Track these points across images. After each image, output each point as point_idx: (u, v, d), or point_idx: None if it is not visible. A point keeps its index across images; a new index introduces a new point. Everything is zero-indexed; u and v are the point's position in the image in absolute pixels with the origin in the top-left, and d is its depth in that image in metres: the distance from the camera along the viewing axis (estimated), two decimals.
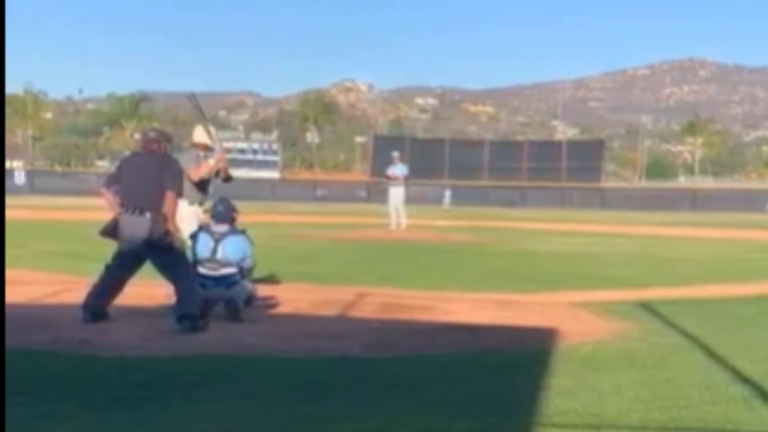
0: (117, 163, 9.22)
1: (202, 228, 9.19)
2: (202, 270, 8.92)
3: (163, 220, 8.37)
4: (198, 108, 10.12)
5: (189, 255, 8.94)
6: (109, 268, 8.66)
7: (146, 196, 8.43)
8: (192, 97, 10.24)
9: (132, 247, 8.48)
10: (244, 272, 9.03)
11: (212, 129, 10.06)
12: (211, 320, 8.58)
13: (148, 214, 8.36)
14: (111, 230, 8.56)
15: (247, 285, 9.03)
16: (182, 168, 8.96)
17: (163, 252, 8.44)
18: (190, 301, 8.37)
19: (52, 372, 6.38)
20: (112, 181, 8.76)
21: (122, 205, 8.53)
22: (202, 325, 8.26)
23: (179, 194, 8.63)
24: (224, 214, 9.15)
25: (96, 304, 8.54)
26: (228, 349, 7.40)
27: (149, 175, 8.51)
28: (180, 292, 8.40)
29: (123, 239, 8.52)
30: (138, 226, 8.39)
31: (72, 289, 10.24)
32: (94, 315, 8.44)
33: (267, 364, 6.87)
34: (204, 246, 8.98)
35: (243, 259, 9.00)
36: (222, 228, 9.07)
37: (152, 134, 8.89)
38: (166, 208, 8.41)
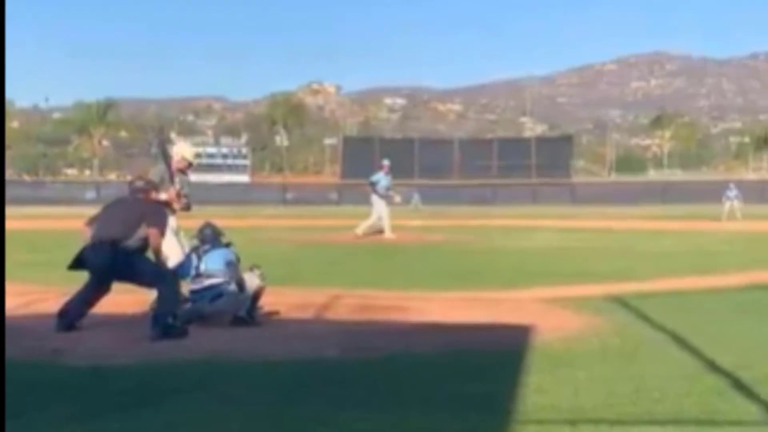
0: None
1: (192, 250, 9.35)
2: (191, 287, 9.08)
3: (124, 247, 8.50)
4: (162, 148, 10.58)
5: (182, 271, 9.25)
6: (85, 285, 8.76)
7: (111, 229, 8.58)
8: (160, 133, 10.63)
9: (96, 271, 8.62)
10: (240, 284, 9.08)
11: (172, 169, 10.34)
12: (186, 324, 8.59)
13: (108, 245, 8.48)
14: (75, 262, 8.67)
15: (240, 295, 9.04)
16: (166, 214, 9.29)
17: (130, 273, 8.56)
18: (167, 307, 8.39)
19: (29, 383, 6.36)
20: (94, 220, 8.91)
21: (91, 238, 8.68)
22: (179, 332, 8.26)
23: (162, 234, 8.84)
24: (210, 236, 9.38)
25: (72, 313, 8.56)
26: (204, 355, 7.38)
27: (124, 215, 8.73)
28: (158, 297, 8.53)
29: (86, 266, 8.65)
30: (97, 254, 8.51)
31: (45, 299, 10.21)
32: (68, 325, 8.45)
33: (245, 369, 6.87)
34: (190, 266, 9.22)
35: (228, 265, 9.07)
36: (206, 246, 9.29)
37: (139, 183, 9.22)
38: (151, 242, 8.63)
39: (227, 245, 9.41)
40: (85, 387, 6.24)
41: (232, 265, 9.15)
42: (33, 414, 5.46)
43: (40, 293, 10.96)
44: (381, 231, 23.71)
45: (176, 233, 10.01)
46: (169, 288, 8.58)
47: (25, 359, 7.15)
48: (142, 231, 8.60)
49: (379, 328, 8.69)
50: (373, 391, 6.10)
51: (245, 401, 5.80)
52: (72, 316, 8.55)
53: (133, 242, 8.55)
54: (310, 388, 6.22)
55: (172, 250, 9.46)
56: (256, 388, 6.20)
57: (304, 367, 6.90)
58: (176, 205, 10.17)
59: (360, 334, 8.33)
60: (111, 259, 8.45)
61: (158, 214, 8.90)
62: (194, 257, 9.26)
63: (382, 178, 24.55)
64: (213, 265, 9.12)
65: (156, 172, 10.05)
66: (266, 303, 9.48)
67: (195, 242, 9.46)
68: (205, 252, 9.24)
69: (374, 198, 24.32)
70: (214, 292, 8.97)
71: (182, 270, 9.26)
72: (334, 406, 5.66)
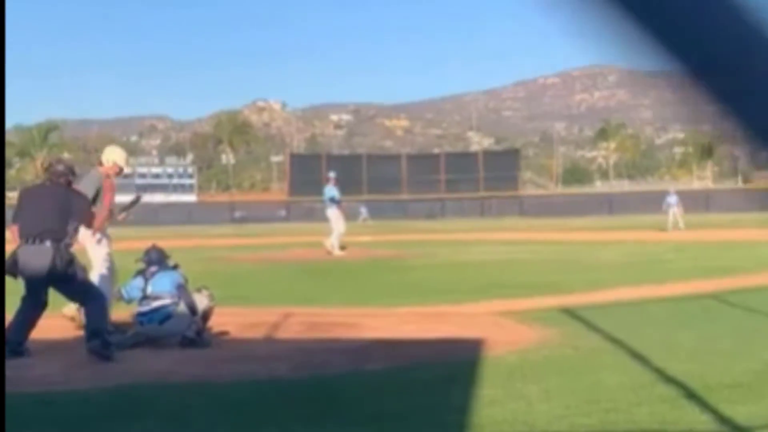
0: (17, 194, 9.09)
1: (138, 273, 9.26)
2: (139, 309, 9.00)
3: (65, 248, 8.28)
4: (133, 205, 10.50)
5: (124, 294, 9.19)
6: (23, 301, 8.49)
7: (47, 225, 8.28)
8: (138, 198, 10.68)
9: (35, 276, 8.28)
10: (191, 306, 9.00)
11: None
12: (135, 347, 8.51)
13: (48, 243, 8.21)
14: (11, 266, 8.36)
15: (191, 317, 8.95)
16: (87, 200, 9.01)
17: (68, 281, 8.33)
18: (99, 319, 8.30)
19: None
20: (19, 215, 8.57)
21: (21, 236, 8.38)
22: (110, 353, 8.17)
23: (88, 226, 8.68)
24: (156, 258, 9.34)
25: (14, 339, 8.32)
26: (152, 376, 7.30)
27: (53, 205, 8.41)
28: (88, 313, 8.36)
29: (24, 271, 8.31)
30: (38, 256, 8.22)
31: None
32: (14, 351, 8.24)
33: (194, 391, 6.80)
34: (136, 288, 9.14)
35: (178, 288, 9.01)
36: (153, 269, 9.23)
37: (60, 167, 8.77)
38: (93, 224, 8.47)
39: (174, 267, 9.35)
40: (31, 416, 6.14)
41: (182, 288, 9.08)
42: None
43: None
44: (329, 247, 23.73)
45: (109, 259, 9.89)
46: (99, 303, 8.45)
47: None
48: (73, 222, 8.43)
49: (330, 346, 8.65)
50: (324, 409, 6.07)
51: (196, 424, 5.73)
52: (14, 341, 8.29)
53: (68, 238, 8.37)
54: (260, 408, 6.17)
55: (98, 261, 9.23)
56: (206, 410, 6.14)
57: (255, 387, 6.84)
58: (119, 218, 10.07)
59: (311, 352, 8.28)
60: (51, 259, 8.15)
61: (81, 206, 8.63)
62: (141, 279, 9.18)
63: (329, 190, 24.59)
64: (161, 287, 9.04)
65: (88, 181, 9.89)
66: (215, 323, 9.40)
67: (141, 265, 9.37)
68: (152, 274, 9.17)
69: (329, 212, 24.31)
70: (163, 314, 8.89)
71: (127, 293, 9.17)
72: (285, 426, 5.62)
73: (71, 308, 9.57)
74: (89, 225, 8.91)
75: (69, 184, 8.69)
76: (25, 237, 8.32)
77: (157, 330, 8.88)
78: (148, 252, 9.41)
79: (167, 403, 6.41)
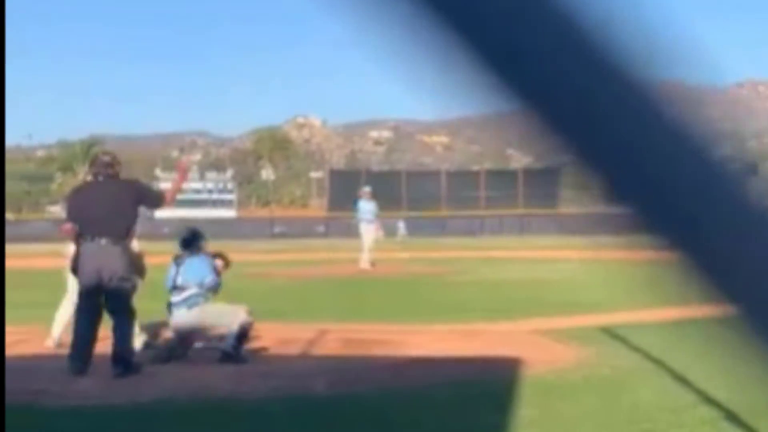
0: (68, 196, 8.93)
1: (173, 259, 9.18)
2: (171, 299, 8.94)
3: (125, 248, 8.22)
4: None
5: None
6: (79, 311, 8.35)
7: (107, 222, 8.11)
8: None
9: (94, 276, 8.13)
10: (208, 293, 8.92)
11: None
12: (171, 360, 8.54)
13: (107, 241, 8.05)
14: (75, 264, 8.27)
15: (230, 312, 8.92)
16: (145, 184, 8.98)
17: (121, 286, 8.21)
18: (126, 341, 8.24)
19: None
20: (77, 216, 8.36)
21: (81, 234, 8.18)
22: (137, 367, 8.15)
23: (164, 204, 8.78)
24: (188, 240, 9.19)
25: (78, 357, 8.13)
26: (187, 392, 7.30)
27: (112, 201, 8.21)
28: (118, 333, 8.18)
29: (85, 271, 8.17)
30: (99, 255, 8.06)
31: (26, 339, 10.09)
32: (79, 371, 8.03)
33: (229, 407, 6.79)
34: (169, 277, 9.02)
35: (203, 278, 8.91)
36: (185, 254, 9.10)
37: (106, 158, 8.63)
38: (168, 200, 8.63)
39: (211, 254, 9.23)
40: (62, 430, 6.16)
41: (208, 277, 8.94)
42: None
43: (20, 334, 10.82)
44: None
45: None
46: (130, 324, 8.39)
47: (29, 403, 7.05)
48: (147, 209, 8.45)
49: (366, 363, 8.62)
50: (360, 428, 6.03)
51: None
52: (77, 360, 8.10)
53: (128, 237, 8.29)
54: (297, 425, 6.14)
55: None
56: (241, 426, 6.12)
57: (291, 403, 6.82)
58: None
59: (347, 370, 8.26)
60: (111, 257, 8.01)
61: (148, 191, 8.87)
62: (173, 267, 9.01)
63: (363, 204, 24.73)
64: (191, 277, 8.89)
65: None
66: (253, 339, 9.40)
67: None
68: (183, 261, 9.01)
69: (362, 227, 24.42)
70: (190, 303, 8.81)
71: (165, 283, 9.06)
72: None
73: (54, 338, 9.45)
74: (165, 202, 8.81)
75: (117, 175, 8.49)
76: (89, 235, 8.12)
77: (186, 319, 8.78)
78: (182, 234, 9.31)
79: (202, 419, 6.40)
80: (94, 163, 8.68)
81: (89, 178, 8.83)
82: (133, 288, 8.40)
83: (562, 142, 0.64)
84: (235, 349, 8.76)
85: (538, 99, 0.63)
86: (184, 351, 8.82)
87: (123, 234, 8.19)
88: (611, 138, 0.63)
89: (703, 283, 0.65)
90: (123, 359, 8.08)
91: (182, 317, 8.77)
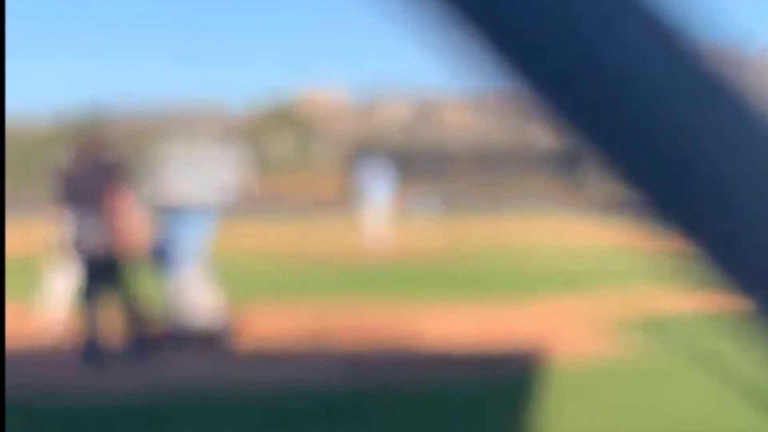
0: None
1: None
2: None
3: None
4: None
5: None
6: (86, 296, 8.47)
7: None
8: None
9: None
10: None
11: None
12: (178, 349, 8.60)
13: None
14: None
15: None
16: None
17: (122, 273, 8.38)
18: (135, 329, 8.35)
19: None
20: None
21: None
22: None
23: None
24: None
25: (92, 344, 8.26)
26: (193, 381, 7.34)
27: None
28: (125, 319, 8.35)
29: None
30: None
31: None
32: (97, 360, 8.20)
33: (238, 397, 6.81)
34: None
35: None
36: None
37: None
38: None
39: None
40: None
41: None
42: None
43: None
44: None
45: None
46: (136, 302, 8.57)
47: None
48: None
49: (383, 351, 8.62)
50: (374, 419, 6.04)
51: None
52: (92, 348, 8.24)
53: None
54: (310, 417, 6.14)
55: None
56: (251, 417, 6.14)
57: (303, 393, 6.83)
58: None
59: (362, 358, 8.24)
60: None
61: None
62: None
63: (376, 180, 24.98)
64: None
65: None
66: (265, 325, 9.44)
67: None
68: None
69: (374, 204, 24.64)
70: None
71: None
72: None
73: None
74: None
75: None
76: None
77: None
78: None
79: (210, 409, 6.43)
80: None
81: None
82: (136, 268, 8.55)
83: (590, 120, 0.62)
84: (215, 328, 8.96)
85: (568, 72, 0.61)
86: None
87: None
88: (649, 112, 0.61)
89: (739, 277, 0.63)
90: (133, 343, 8.19)
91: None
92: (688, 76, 0.61)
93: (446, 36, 0.60)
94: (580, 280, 16.04)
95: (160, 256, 9.10)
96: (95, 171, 8.47)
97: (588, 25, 0.60)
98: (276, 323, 10.12)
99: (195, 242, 9.27)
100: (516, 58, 0.61)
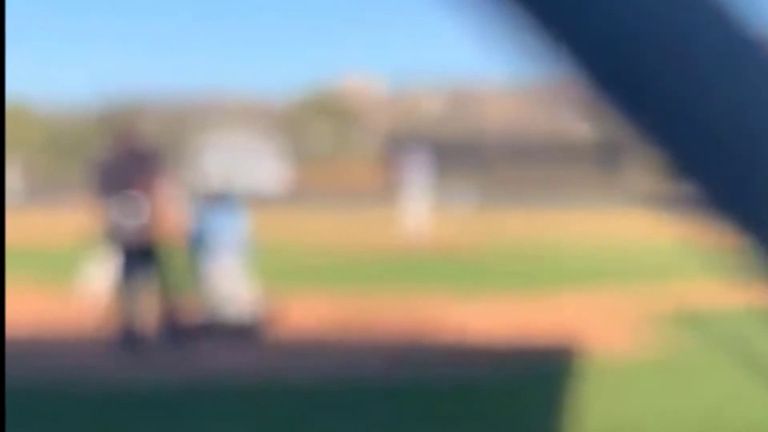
0: None
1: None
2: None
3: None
4: None
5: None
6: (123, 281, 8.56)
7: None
8: None
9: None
10: None
11: None
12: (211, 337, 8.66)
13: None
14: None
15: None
16: None
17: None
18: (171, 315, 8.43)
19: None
20: None
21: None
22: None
23: None
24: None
25: (129, 327, 8.38)
26: (231, 372, 7.40)
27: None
28: (161, 306, 8.44)
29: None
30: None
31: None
32: (133, 338, 8.32)
33: (277, 388, 6.85)
34: None
35: None
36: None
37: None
38: None
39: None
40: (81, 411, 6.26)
41: None
42: None
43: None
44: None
45: None
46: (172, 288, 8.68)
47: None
48: None
49: (424, 343, 8.62)
50: (418, 411, 6.03)
51: (279, 423, 5.76)
52: (129, 332, 8.34)
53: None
54: (351, 407, 6.14)
55: None
56: (292, 408, 6.16)
57: (342, 386, 6.86)
58: None
59: (404, 350, 8.26)
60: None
61: None
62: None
63: (414, 172, 24.89)
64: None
65: None
66: (306, 315, 9.47)
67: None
68: None
69: (414, 195, 24.56)
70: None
71: None
72: (375, 427, 5.60)
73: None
74: None
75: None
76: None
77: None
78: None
79: (243, 400, 6.47)
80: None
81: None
82: (172, 256, 8.63)
83: (646, 110, 0.62)
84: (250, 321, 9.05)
85: (616, 56, 0.61)
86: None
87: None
88: (703, 101, 0.61)
89: None
90: (169, 332, 8.26)
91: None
92: (747, 66, 0.61)
93: (497, 22, 0.60)
94: (621, 274, 15.95)
95: (198, 245, 9.19)
96: (133, 160, 8.55)
97: (646, 12, 0.59)
98: (313, 314, 10.15)
99: (233, 232, 9.35)
100: (571, 44, 0.60)
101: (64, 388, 6.90)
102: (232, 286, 9.11)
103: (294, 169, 58.33)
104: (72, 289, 11.08)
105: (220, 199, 9.52)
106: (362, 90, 74.12)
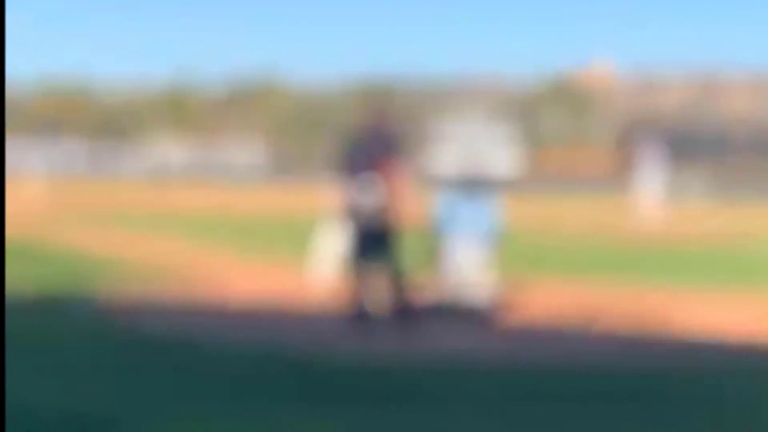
0: None
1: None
2: None
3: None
4: None
5: None
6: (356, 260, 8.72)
7: None
8: None
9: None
10: None
11: None
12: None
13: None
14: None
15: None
16: None
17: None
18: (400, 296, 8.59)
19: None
20: None
21: None
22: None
23: None
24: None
25: (361, 304, 8.56)
26: (460, 354, 7.55)
27: None
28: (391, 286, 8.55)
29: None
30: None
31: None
32: (363, 316, 8.52)
33: (501, 374, 6.97)
34: None
35: None
36: None
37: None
38: None
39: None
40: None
41: None
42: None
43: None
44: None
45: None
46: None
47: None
48: None
49: (655, 335, 8.60)
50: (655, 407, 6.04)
51: (507, 411, 5.82)
52: (362, 307, 8.53)
53: None
54: (580, 400, 6.15)
55: None
56: (513, 398, 6.22)
57: (571, 376, 6.93)
58: None
59: (635, 341, 8.28)
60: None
61: None
62: None
63: (650, 162, 24.41)
64: None
65: None
66: (527, 301, 9.52)
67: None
68: None
69: (647, 185, 24.18)
70: None
71: None
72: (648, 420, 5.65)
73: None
74: None
75: None
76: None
77: None
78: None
79: (470, 384, 6.60)
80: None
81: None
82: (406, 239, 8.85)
83: None
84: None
85: None
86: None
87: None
88: None
89: None
90: (398, 312, 8.43)
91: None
92: None
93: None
94: None
95: (443, 229, 9.46)
96: (377, 141, 8.71)
97: None
98: (548, 301, 10.20)
99: (471, 218, 9.54)
100: None
101: (293, 358, 7.22)
102: (467, 270, 9.30)
103: (529, 154, 57.93)
104: (305, 264, 11.53)
105: (458, 186, 9.71)
106: (604, 77, 72.75)
